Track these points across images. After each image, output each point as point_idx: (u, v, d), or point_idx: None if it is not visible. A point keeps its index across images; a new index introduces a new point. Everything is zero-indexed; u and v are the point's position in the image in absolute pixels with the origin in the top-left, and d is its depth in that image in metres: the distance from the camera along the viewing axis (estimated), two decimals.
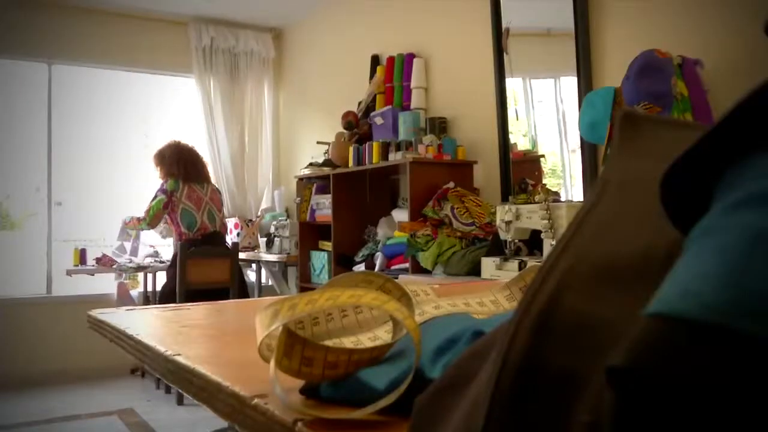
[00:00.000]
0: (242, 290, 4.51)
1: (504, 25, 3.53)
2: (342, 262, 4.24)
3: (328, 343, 0.48)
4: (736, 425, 0.20)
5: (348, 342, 0.49)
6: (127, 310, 0.96)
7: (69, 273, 4.87)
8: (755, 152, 0.25)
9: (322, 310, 0.46)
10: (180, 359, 0.59)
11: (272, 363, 0.42)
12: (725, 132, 0.26)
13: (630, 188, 0.36)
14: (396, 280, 0.49)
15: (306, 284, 4.64)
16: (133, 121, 5.73)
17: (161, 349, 0.64)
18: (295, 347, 0.42)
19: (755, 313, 0.20)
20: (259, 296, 5.34)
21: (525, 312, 0.30)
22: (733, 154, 0.26)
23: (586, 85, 3.05)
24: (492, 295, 0.57)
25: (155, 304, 4.60)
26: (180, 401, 4.25)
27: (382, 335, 0.50)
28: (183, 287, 4.14)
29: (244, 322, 0.87)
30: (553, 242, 2.51)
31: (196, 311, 0.97)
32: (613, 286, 0.31)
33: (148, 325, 0.82)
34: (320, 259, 4.51)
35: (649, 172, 0.36)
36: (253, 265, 5.27)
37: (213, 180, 5.82)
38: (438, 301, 0.55)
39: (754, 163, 0.25)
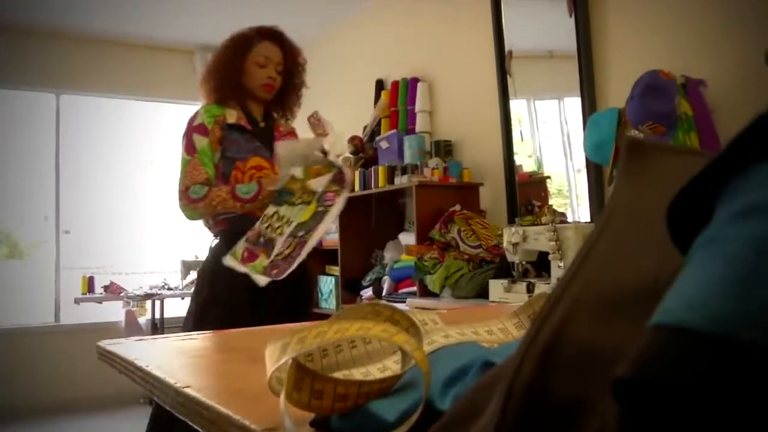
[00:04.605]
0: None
1: (507, 48, 3.55)
2: (349, 287, 4.23)
3: (338, 374, 0.48)
4: None
5: (357, 373, 0.49)
6: (137, 340, 0.96)
7: (77, 301, 4.89)
8: (757, 162, 0.26)
9: (330, 343, 0.46)
10: (190, 392, 0.59)
11: (282, 396, 0.43)
12: (728, 158, 0.26)
13: (636, 217, 0.36)
14: (403, 311, 0.49)
15: (313, 309, 4.63)
16: (139, 150, 5.78)
17: (171, 381, 0.64)
18: (304, 380, 0.42)
19: (761, 322, 0.20)
20: None
21: (531, 343, 0.31)
22: (735, 169, 0.26)
23: (590, 106, 3.06)
24: (501, 323, 0.57)
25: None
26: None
27: (391, 366, 0.50)
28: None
29: (253, 351, 0.87)
30: (561, 264, 2.50)
31: (204, 340, 0.97)
32: (620, 315, 0.31)
33: (157, 356, 0.82)
34: (327, 284, 4.50)
35: (655, 200, 0.36)
36: None
37: None
38: (447, 330, 0.55)
39: (756, 173, 0.26)
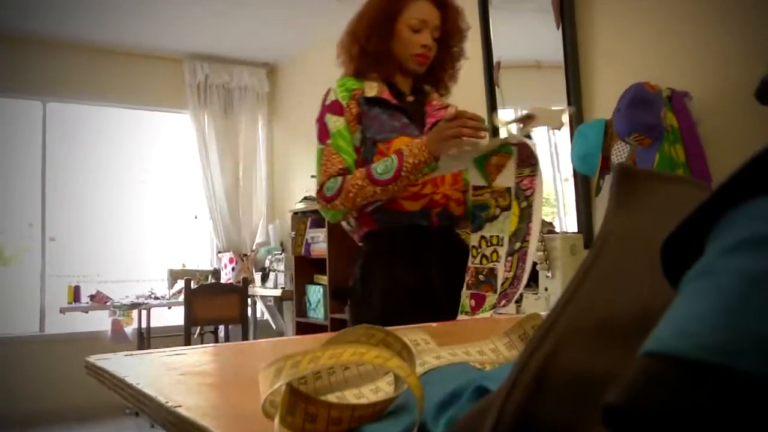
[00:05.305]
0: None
1: (495, 58, 3.57)
2: (337, 296, 4.23)
3: (331, 397, 0.48)
4: None
5: (350, 395, 0.49)
6: (126, 355, 0.95)
7: (62, 311, 4.85)
8: (748, 199, 0.26)
9: (324, 368, 0.46)
10: (181, 411, 0.59)
11: (276, 420, 0.43)
12: (721, 195, 0.27)
13: (628, 244, 0.36)
14: (395, 333, 0.49)
15: (301, 319, 4.62)
16: (127, 157, 5.76)
17: (162, 400, 0.64)
18: (298, 404, 0.42)
19: (754, 353, 0.21)
20: (255, 330, 5.32)
21: (523, 368, 0.31)
22: (727, 205, 0.27)
23: (577, 117, 3.08)
24: (492, 343, 0.57)
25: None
26: None
27: (384, 387, 0.50)
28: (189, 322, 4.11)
29: (243, 367, 0.87)
30: (549, 274, 2.52)
31: (194, 356, 0.97)
32: (613, 342, 0.32)
33: (148, 373, 0.81)
34: (316, 293, 4.50)
35: (647, 227, 0.37)
36: (248, 300, 5.26)
37: (207, 214, 5.82)
38: (438, 351, 0.56)
39: (748, 209, 0.26)
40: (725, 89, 2.50)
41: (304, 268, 4.68)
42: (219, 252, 5.76)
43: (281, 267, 5.02)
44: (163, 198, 5.87)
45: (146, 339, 4.88)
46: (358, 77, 1.93)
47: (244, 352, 1.00)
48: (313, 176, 4.87)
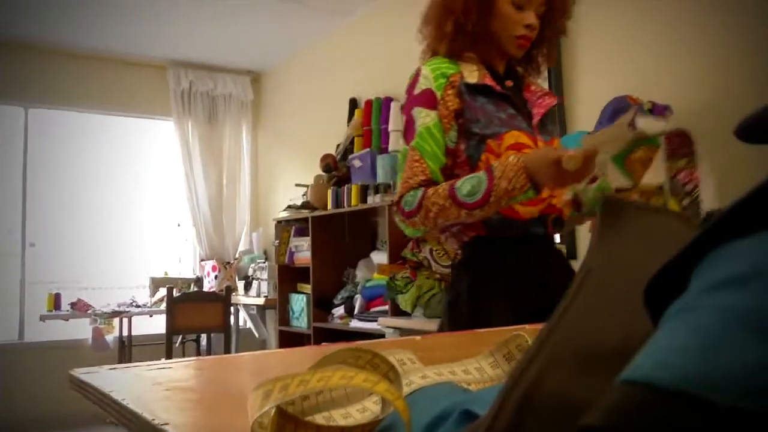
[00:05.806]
0: None
1: None
2: (321, 305, 4.22)
3: (318, 417, 0.49)
4: None
5: (337, 414, 0.50)
6: (110, 368, 0.95)
7: (42, 318, 4.79)
8: (732, 239, 0.27)
9: (313, 390, 0.47)
10: (168, 430, 0.59)
11: None
12: (707, 236, 0.28)
13: (612, 275, 0.37)
14: (383, 354, 0.50)
15: (284, 327, 4.61)
16: (110, 164, 5.72)
17: (148, 417, 0.64)
18: (286, 426, 0.43)
19: (733, 387, 0.21)
20: (237, 339, 5.29)
21: (509, 392, 0.32)
22: (711, 244, 0.28)
23: (560, 129, 3.11)
24: (477, 362, 0.58)
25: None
26: None
27: (371, 407, 0.51)
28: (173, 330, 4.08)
29: (229, 383, 0.87)
30: None
31: (178, 370, 0.97)
32: (596, 369, 0.32)
33: (133, 388, 0.81)
34: (299, 302, 4.49)
35: (632, 257, 0.38)
36: (231, 308, 5.24)
37: (191, 222, 5.79)
38: (424, 370, 0.56)
39: (732, 247, 0.27)
40: (706, 103, 2.54)
41: (288, 276, 4.67)
42: (202, 260, 5.74)
43: (264, 275, 5.01)
44: (146, 205, 5.84)
45: (127, 347, 4.84)
46: (452, 58, 1.64)
47: (230, 366, 1.00)
48: (297, 185, 4.89)
